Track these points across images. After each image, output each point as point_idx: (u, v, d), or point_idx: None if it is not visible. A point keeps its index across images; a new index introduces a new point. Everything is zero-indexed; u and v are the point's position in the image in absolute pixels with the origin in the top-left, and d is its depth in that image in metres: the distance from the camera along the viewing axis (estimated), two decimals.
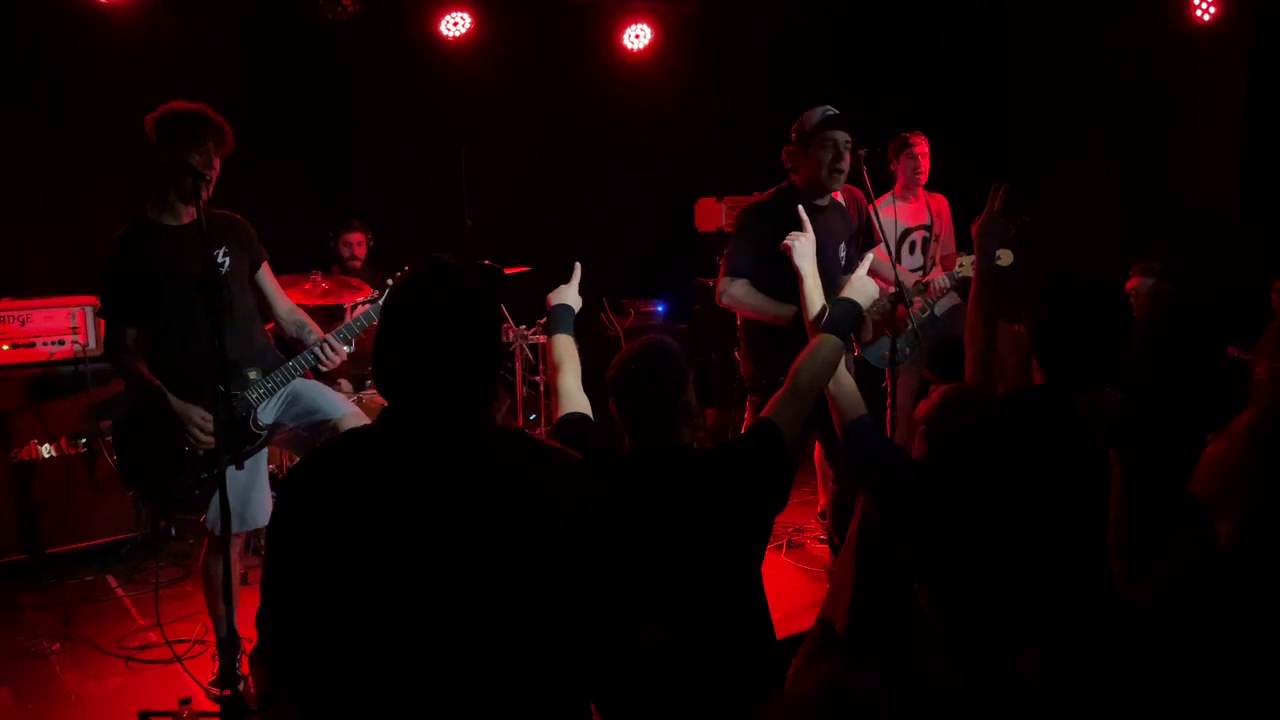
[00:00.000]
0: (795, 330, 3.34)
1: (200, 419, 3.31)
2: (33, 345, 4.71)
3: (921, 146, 5.16)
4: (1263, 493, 1.67)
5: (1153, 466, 2.10)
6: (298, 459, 5.02)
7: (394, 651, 1.65)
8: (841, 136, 3.77)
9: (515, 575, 1.65)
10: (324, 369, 3.59)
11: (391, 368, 1.76)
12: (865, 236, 4.26)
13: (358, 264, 5.66)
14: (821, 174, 3.80)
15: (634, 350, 2.43)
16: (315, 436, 3.55)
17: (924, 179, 5.23)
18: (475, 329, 1.75)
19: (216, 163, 3.30)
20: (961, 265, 4.73)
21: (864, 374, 3.61)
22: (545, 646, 1.69)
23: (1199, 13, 5.92)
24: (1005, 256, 4.59)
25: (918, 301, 4.87)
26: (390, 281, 3.54)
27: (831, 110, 3.79)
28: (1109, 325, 2.38)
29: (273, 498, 3.59)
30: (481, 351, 1.76)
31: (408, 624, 1.65)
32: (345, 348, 3.58)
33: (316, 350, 3.51)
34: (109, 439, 4.08)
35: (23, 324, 4.71)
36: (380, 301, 3.58)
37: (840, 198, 4.16)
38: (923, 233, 5.26)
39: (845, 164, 3.80)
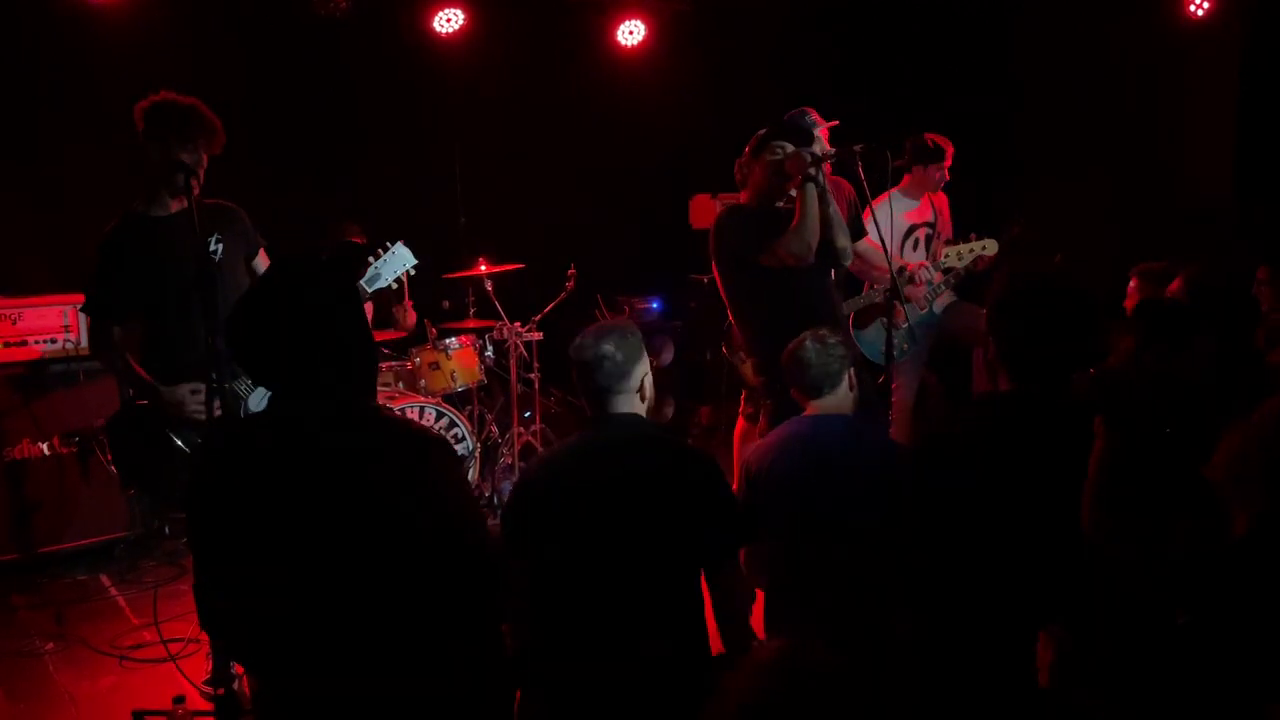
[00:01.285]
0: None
1: (189, 393, 3.28)
2: (24, 344, 4.69)
3: (950, 161, 5.15)
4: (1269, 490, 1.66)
5: (1146, 440, 2.10)
6: None
7: (301, 594, 1.93)
8: (788, 146, 3.82)
9: (374, 525, 1.92)
10: None
11: (254, 364, 2.04)
12: (853, 227, 4.30)
13: None
14: (769, 183, 3.84)
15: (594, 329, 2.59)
16: None
17: (941, 187, 5.23)
18: (318, 327, 1.99)
19: (205, 160, 3.27)
20: (948, 255, 4.71)
21: (862, 371, 3.62)
22: (414, 581, 1.95)
23: (1194, 9, 5.93)
24: (990, 246, 4.59)
25: (917, 292, 4.85)
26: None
27: (808, 114, 3.92)
28: (1073, 325, 2.34)
29: None
30: (328, 345, 1.99)
31: (306, 570, 1.92)
32: None
33: None
34: (103, 438, 4.06)
35: (14, 322, 4.69)
36: (362, 281, 3.56)
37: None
38: (926, 229, 5.25)
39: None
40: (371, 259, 3.58)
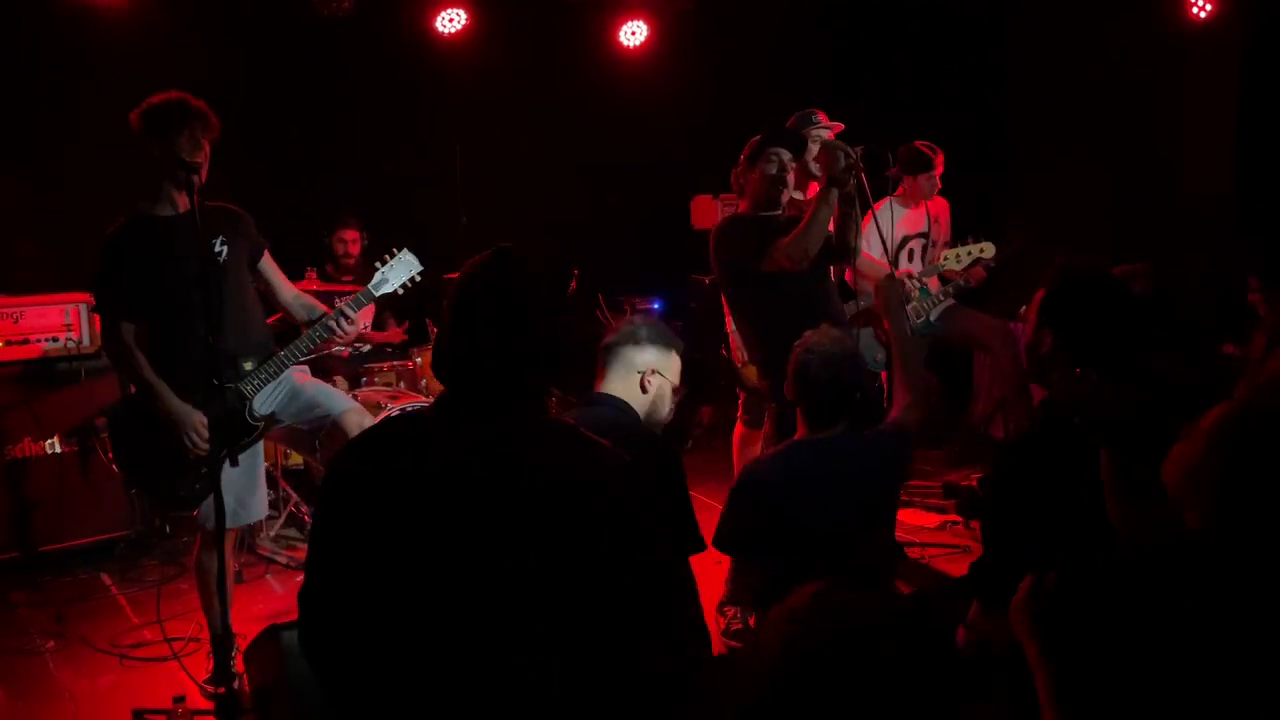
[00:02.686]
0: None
1: (199, 424, 3.30)
2: (26, 342, 4.69)
3: (941, 169, 5.14)
4: (1217, 497, 1.66)
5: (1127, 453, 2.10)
6: (294, 456, 5.02)
7: (429, 635, 1.66)
8: (785, 154, 3.84)
9: (546, 566, 1.65)
10: (339, 341, 3.55)
11: (449, 354, 1.80)
12: None
13: (351, 261, 5.64)
14: (764, 190, 3.86)
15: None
16: (315, 431, 3.54)
17: (937, 186, 5.23)
18: (529, 329, 1.77)
19: (206, 147, 3.27)
20: (946, 258, 4.71)
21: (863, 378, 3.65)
22: (573, 639, 1.67)
23: (1195, 10, 5.93)
24: (988, 249, 4.58)
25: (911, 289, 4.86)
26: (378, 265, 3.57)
27: (814, 115, 3.92)
28: (1127, 310, 2.37)
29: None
30: (532, 350, 1.77)
31: (444, 608, 1.65)
32: (355, 316, 3.51)
33: (330, 323, 3.47)
34: (104, 436, 4.05)
35: (16, 320, 4.69)
36: (369, 286, 3.56)
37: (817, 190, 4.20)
38: (920, 240, 5.25)
39: (789, 179, 3.87)
40: (379, 264, 3.60)
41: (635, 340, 2.60)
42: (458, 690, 1.66)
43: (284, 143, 5.83)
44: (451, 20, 6.15)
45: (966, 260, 4.66)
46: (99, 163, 5.26)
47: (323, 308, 3.62)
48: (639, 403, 2.61)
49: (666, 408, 2.67)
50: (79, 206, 5.29)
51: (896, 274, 4.62)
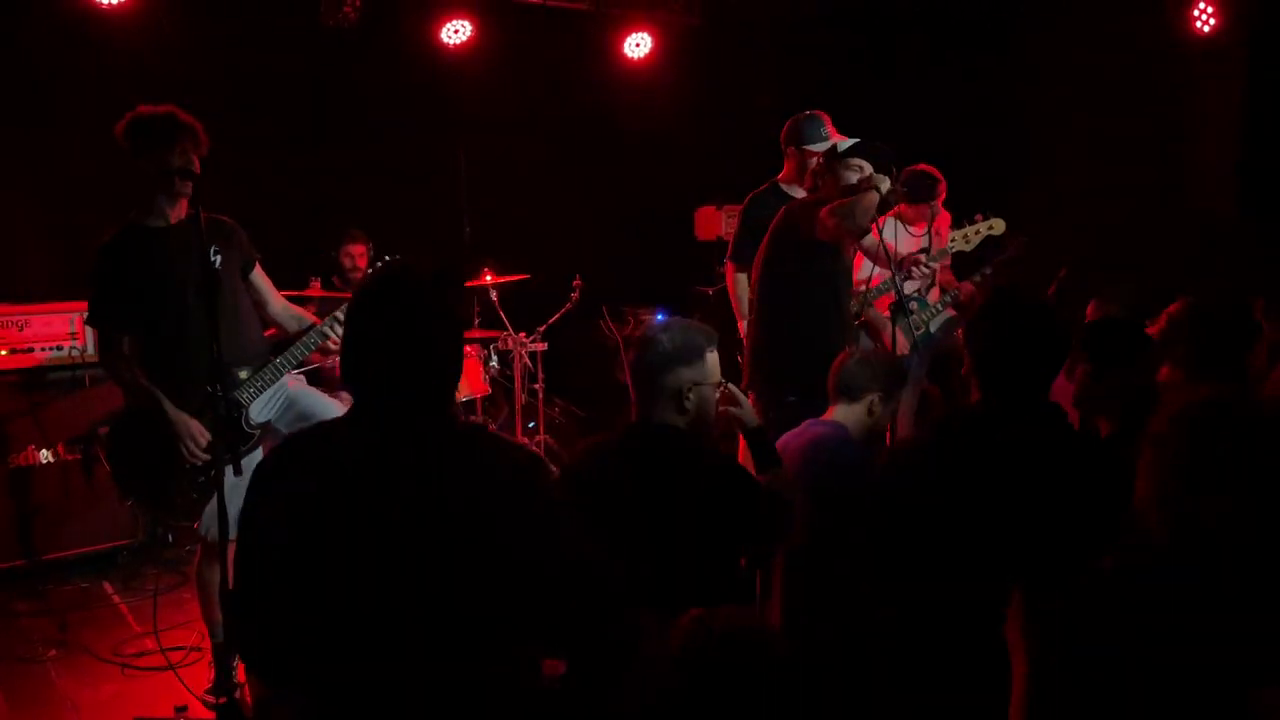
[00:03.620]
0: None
1: (198, 433, 3.30)
2: (31, 350, 4.70)
3: (943, 196, 5.15)
4: (1169, 495, 1.68)
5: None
6: None
7: (357, 631, 1.76)
8: (867, 165, 3.89)
9: (461, 564, 1.76)
10: (333, 346, 3.57)
11: (353, 368, 1.91)
12: None
13: (359, 275, 5.66)
14: (840, 196, 3.87)
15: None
16: None
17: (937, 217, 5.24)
18: (427, 335, 1.89)
19: (196, 162, 3.28)
20: (954, 239, 4.65)
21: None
22: (496, 631, 1.79)
23: (1199, 24, 5.93)
24: (999, 225, 4.56)
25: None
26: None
27: (859, 141, 3.96)
28: (1048, 349, 2.36)
29: None
30: (433, 356, 1.89)
31: (368, 606, 1.76)
32: None
33: (324, 329, 3.48)
34: (100, 448, 4.05)
35: (21, 329, 4.70)
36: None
37: None
38: (922, 257, 5.26)
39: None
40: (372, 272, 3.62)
41: (667, 364, 2.55)
42: (384, 683, 1.77)
43: (289, 152, 5.85)
44: (457, 31, 6.17)
45: (976, 239, 4.58)
46: (104, 171, 5.26)
47: (312, 319, 3.65)
48: (685, 420, 2.60)
49: (712, 411, 2.66)
50: (84, 215, 5.30)
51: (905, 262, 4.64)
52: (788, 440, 3.12)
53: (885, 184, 3.81)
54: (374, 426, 1.86)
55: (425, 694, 1.78)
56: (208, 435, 3.31)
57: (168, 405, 3.31)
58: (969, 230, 4.54)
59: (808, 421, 3.18)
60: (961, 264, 4.98)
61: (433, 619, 1.76)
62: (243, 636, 1.92)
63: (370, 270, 5.66)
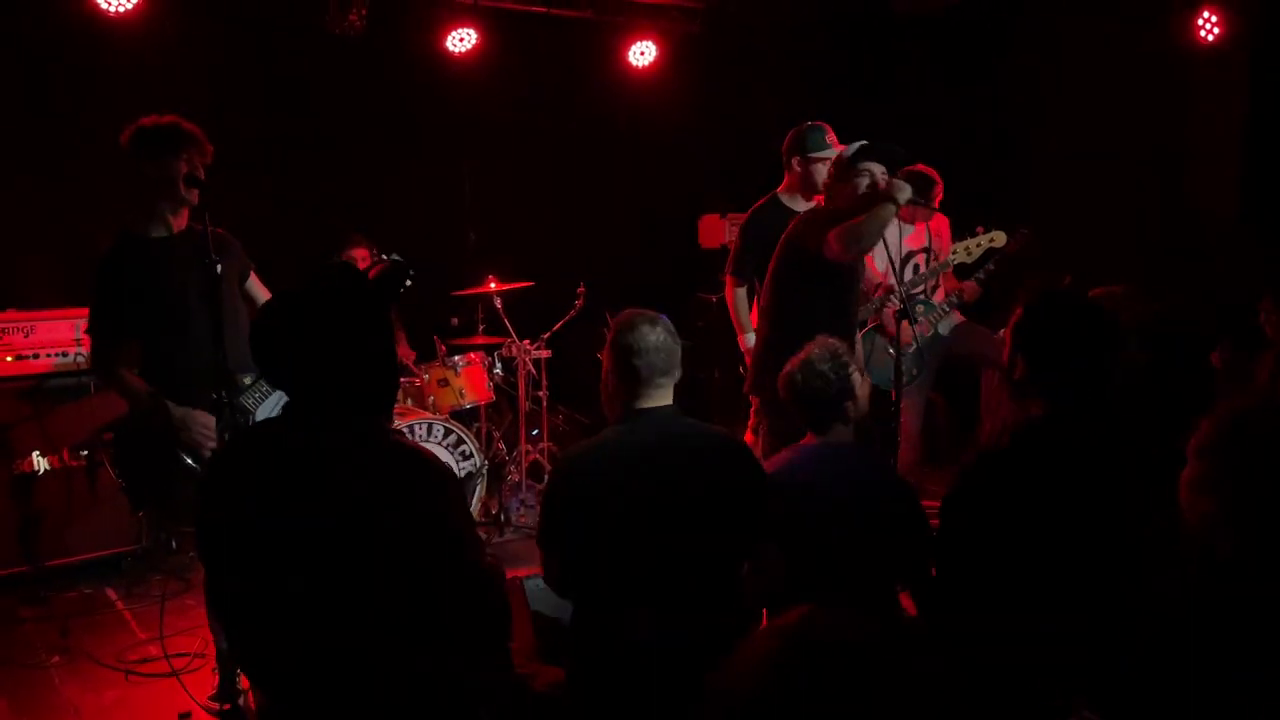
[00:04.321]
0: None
1: (204, 423, 3.31)
2: (36, 357, 4.71)
3: (940, 197, 5.16)
4: (1219, 503, 1.64)
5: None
6: None
7: (298, 611, 1.92)
8: (878, 167, 3.85)
9: (370, 557, 1.91)
10: None
11: (276, 374, 2.06)
12: None
13: None
14: (857, 203, 3.84)
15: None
16: None
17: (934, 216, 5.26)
18: (345, 345, 2.01)
19: (201, 171, 3.29)
20: (955, 251, 4.66)
21: (871, 397, 3.64)
22: (413, 602, 1.93)
23: (1203, 33, 5.94)
24: (999, 238, 4.56)
25: (922, 323, 4.87)
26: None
27: (866, 143, 3.89)
28: (1102, 342, 2.32)
29: None
30: (352, 364, 2.01)
31: (302, 588, 1.91)
32: None
33: None
34: (110, 452, 4.06)
35: (27, 335, 4.71)
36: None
37: (818, 204, 4.27)
38: (923, 255, 5.28)
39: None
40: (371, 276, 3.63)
41: (676, 361, 2.62)
42: (325, 654, 1.93)
43: (294, 160, 5.87)
44: (462, 40, 6.19)
45: (978, 252, 4.58)
46: (110, 178, 5.29)
47: None
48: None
49: None
50: (90, 221, 5.31)
51: (888, 284, 4.64)
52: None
53: (906, 193, 3.76)
54: (300, 431, 2.01)
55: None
56: (212, 422, 3.31)
57: (170, 405, 3.31)
58: (970, 243, 4.55)
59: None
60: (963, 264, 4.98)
61: (340, 618, 1.92)
62: (229, 638, 2.19)
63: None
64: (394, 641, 1.94)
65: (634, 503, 2.47)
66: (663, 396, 2.62)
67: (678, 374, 2.65)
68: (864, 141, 3.89)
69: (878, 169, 3.85)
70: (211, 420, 3.31)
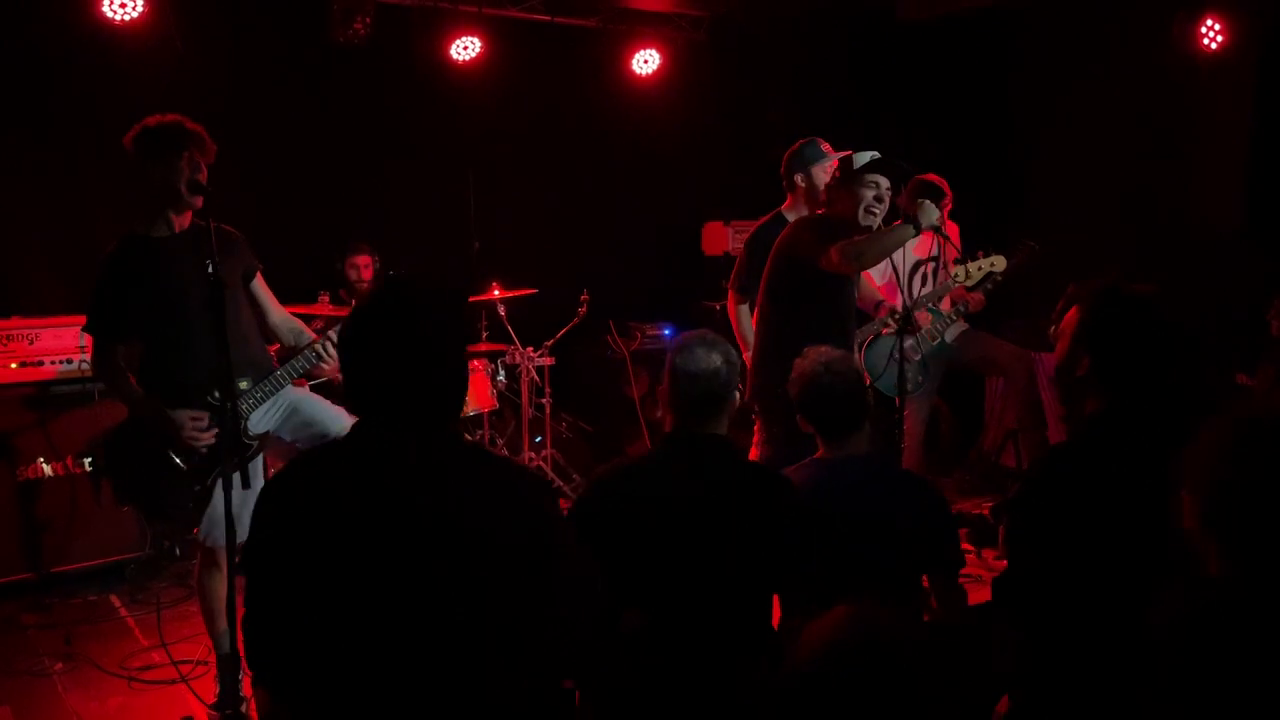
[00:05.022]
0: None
1: (190, 420, 3.31)
2: (40, 364, 4.72)
3: (949, 207, 5.17)
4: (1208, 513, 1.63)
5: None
6: None
7: (369, 649, 1.76)
8: (884, 181, 3.87)
9: (469, 581, 1.77)
10: (326, 366, 3.58)
11: (356, 387, 1.89)
12: None
13: (364, 286, 5.67)
14: (859, 212, 3.87)
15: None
16: None
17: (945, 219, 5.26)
18: (432, 351, 1.87)
19: (204, 170, 3.31)
20: (956, 274, 4.65)
21: (875, 403, 3.63)
22: (505, 644, 1.79)
23: (1206, 41, 5.94)
24: (999, 262, 4.57)
25: (921, 322, 4.85)
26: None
27: (877, 155, 3.91)
28: (1169, 336, 2.29)
29: None
30: (438, 372, 1.88)
31: (380, 625, 1.76)
32: None
33: (318, 348, 3.50)
34: (100, 452, 4.05)
35: (31, 342, 4.72)
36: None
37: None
38: (931, 264, 5.29)
39: (883, 208, 3.90)
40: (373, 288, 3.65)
41: (730, 388, 2.55)
42: (399, 703, 1.76)
43: (299, 167, 5.88)
44: (466, 48, 6.21)
45: (978, 275, 4.61)
46: (115, 184, 5.30)
47: (311, 334, 3.67)
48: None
49: None
50: (95, 230, 5.33)
51: (888, 305, 4.64)
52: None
53: (934, 216, 3.77)
54: (381, 446, 1.85)
55: (440, 712, 1.78)
56: (202, 417, 3.31)
57: (158, 407, 3.32)
58: (970, 265, 4.57)
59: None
60: None
61: (441, 637, 1.75)
62: (255, 657, 1.89)
63: (374, 283, 5.69)
64: (484, 665, 1.80)
65: (658, 533, 2.41)
66: (711, 424, 2.53)
67: (731, 400, 2.56)
68: (875, 153, 3.90)
69: (884, 183, 3.85)
70: (203, 416, 3.32)
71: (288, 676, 1.86)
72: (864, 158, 3.93)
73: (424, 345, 1.85)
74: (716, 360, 2.50)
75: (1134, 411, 2.25)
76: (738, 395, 2.60)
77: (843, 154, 4.35)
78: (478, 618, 1.77)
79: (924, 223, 3.76)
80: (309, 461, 1.96)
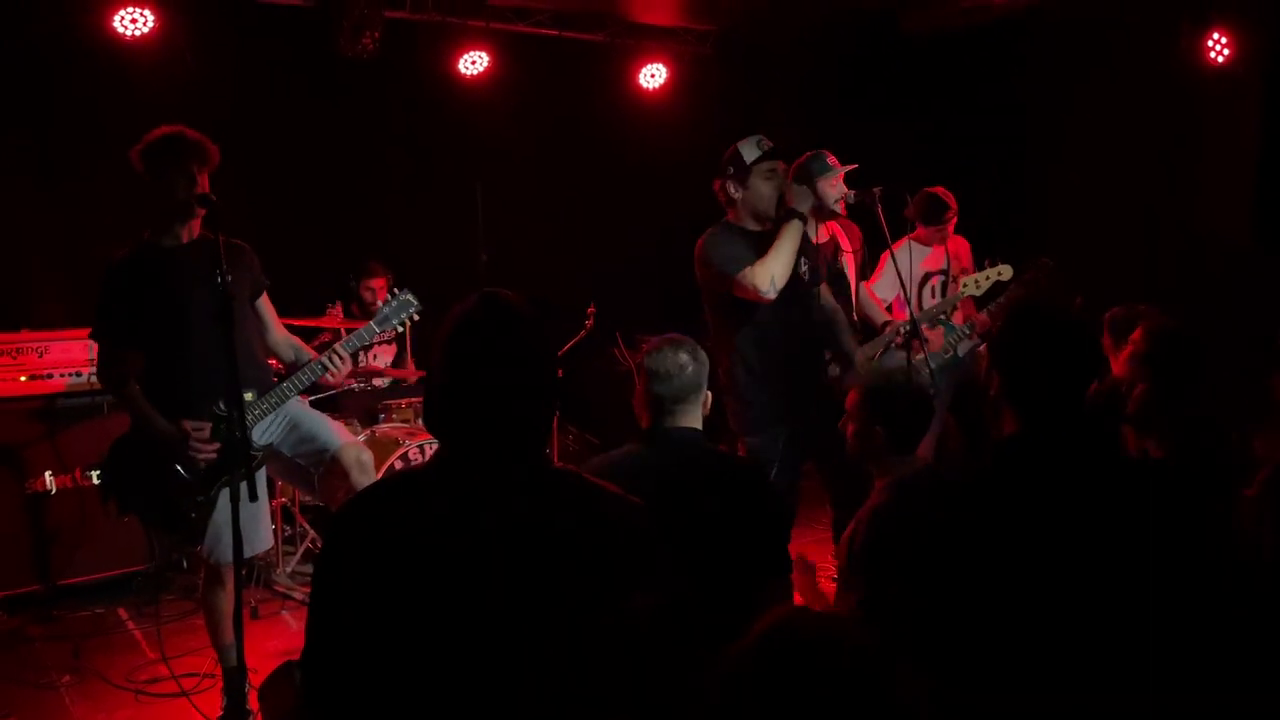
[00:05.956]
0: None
1: (193, 429, 3.32)
2: (50, 377, 4.74)
3: (954, 218, 5.17)
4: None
5: None
6: (306, 496, 5.02)
7: (444, 691, 1.60)
8: (779, 165, 3.80)
9: (569, 617, 1.61)
10: (331, 380, 3.58)
11: (448, 408, 1.73)
12: (865, 270, 4.48)
13: (377, 307, 5.68)
14: (762, 205, 3.80)
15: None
16: (313, 466, 3.54)
17: (950, 233, 5.26)
18: (535, 371, 1.73)
19: (203, 179, 3.33)
20: (965, 285, 4.65)
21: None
22: (600, 687, 1.63)
23: (1213, 54, 5.93)
24: (1006, 271, 4.56)
25: (934, 338, 4.84)
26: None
27: (767, 142, 3.84)
28: (1081, 362, 2.16)
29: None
30: (539, 394, 1.74)
31: (464, 666, 1.59)
32: (346, 355, 3.58)
33: (324, 360, 3.52)
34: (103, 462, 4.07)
35: (41, 355, 4.74)
36: (372, 322, 3.65)
37: (832, 231, 4.30)
38: (940, 277, 5.27)
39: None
40: (381, 304, 3.70)
41: (698, 384, 2.65)
42: None
43: (307, 180, 5.90)
44: (474, 62, 6.23)
45: (985, 284, 4.59)
46: (125, 199, 5.32)
47: (311, 353, 3.68)
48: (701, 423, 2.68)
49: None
50: (105, 242, 5.32)
51: (895, 323, 4.62)
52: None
53: (808, 201, 3.66)
54: (472, 474, 1.68)
55: None
56: (202, 427, 3.33)
57: (158, 419, 3.33)
58: (979, 276, 4.57)
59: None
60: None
61: (544, 678, 1.60)
62: (315, 697, 1.69)
63: (391, 298, 5.68)
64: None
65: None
66: (687, 419, 2.63)
67: (701, 397, 2.67)
68: (761, 137, 3.85)
69: (779, 173, 3.76)
70: (205, 427, 3.33)
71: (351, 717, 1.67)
72: (752, 149, 3.83)
73: (528, 367, 1.72)
74: (684, 358, 2.63)
75: (1045, 437, 2.12)
76: (708, 394, 2.70)
77: (849, 167, 4.35)
78: (561, 655, 1.62)
79: (801, 207, 3.64)
80: (392, 491, 1.79)
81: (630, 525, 1.73)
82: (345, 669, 1.64)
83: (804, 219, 3.65)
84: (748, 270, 3.60)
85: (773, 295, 3.59)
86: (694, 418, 2.65)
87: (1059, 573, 1.93)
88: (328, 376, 3.54)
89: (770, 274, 3.57)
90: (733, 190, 3.88)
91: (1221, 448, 2.92)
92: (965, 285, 4.56)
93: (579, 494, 1.75)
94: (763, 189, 3.79)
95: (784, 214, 3.67)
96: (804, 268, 3.80)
